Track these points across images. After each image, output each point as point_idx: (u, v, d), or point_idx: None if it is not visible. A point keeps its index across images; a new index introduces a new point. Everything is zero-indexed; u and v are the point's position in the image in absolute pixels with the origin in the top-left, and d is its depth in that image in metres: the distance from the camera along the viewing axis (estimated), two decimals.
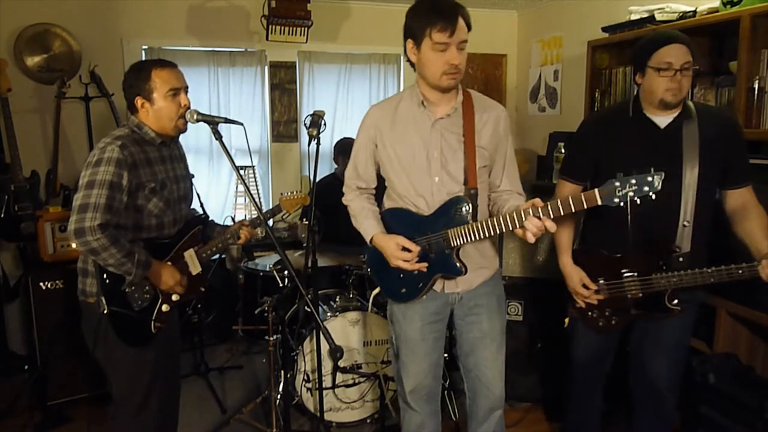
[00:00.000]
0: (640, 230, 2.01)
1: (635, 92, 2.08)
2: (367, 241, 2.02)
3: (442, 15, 1.72)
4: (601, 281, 2.11)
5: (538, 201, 1.67)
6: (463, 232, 1.82)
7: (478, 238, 1.80)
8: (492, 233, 1.78)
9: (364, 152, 2.03)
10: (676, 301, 1.99)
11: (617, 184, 1.56)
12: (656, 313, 2.05)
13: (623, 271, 2.06)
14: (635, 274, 2.04)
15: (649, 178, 1.54)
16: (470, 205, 1.83)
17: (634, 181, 1.55)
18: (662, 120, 1.99)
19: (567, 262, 2.17)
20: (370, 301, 2.90)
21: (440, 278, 1.95)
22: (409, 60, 1.89)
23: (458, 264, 1.86)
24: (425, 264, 1.90)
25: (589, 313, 2.18)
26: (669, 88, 1.89)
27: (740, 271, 1.84)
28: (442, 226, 1.86)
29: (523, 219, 1.66)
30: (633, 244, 2.02)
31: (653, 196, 1.55)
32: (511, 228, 1.71)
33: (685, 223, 1.96)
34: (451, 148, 1.89)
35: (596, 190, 1.59)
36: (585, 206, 1.61)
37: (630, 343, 2.24)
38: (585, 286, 2.12)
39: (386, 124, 1.95)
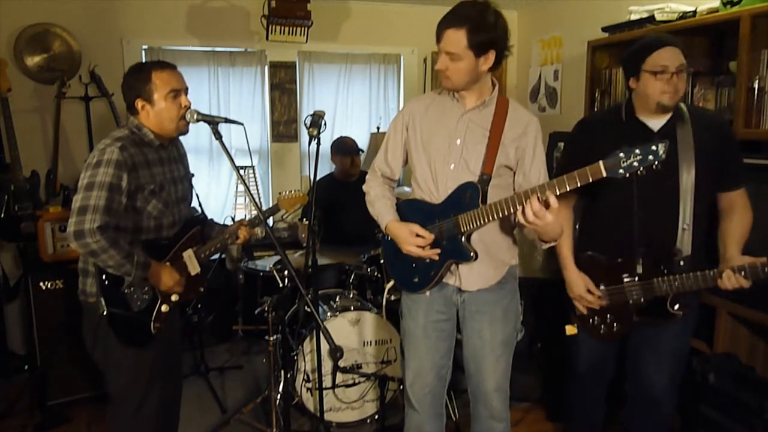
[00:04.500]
0: (641, 234, 2.00)
1: (627, 96, 2.09)
2: (382, 227, 2.04)
3: (438, 25, 1.84)
4: (602, 287, 2.10)
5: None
6: (472, 216, 1.82)
7: (487, 221, 1.81)
8: (499, 215, 1.78)
9: (395, 138, 2.07)
10: (677, 306, 1.96)
11: (621, 155, 1.56)
12: (659, 319, 2.01)
13: (624, 276, 2.05)
14: (636, 278, 2.03)
15: (654, 147, 1.53)
16: (479, 189, 1.84)
17: (638, 151, 1.54)
18: (655, 123, 2.00)
19: (572, 269, 2.15)
20: (384, 299, 2.89)
21: (453, 263, 1.94)
22: None
23: (469, 249, 1.86)
24: (437, 250, 1.90)
25: (591, 320, 2.16)
26: (665, 90, 1.91)
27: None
28: (452, 213, 1.88)
29: (530, 196, 1.66)
30: (634, 249, 2.01)
31: (658, 165, 1.54)
32: (517, 207, 1.72)
33: (685, 226, 1.95)
34: (474, 139, 1.91)
35: (600, 162, 1.58)
36: (590, 179, 1.60)
37: (628, 348, 2.21)
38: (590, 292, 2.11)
39: (420, 111, 2.02)
